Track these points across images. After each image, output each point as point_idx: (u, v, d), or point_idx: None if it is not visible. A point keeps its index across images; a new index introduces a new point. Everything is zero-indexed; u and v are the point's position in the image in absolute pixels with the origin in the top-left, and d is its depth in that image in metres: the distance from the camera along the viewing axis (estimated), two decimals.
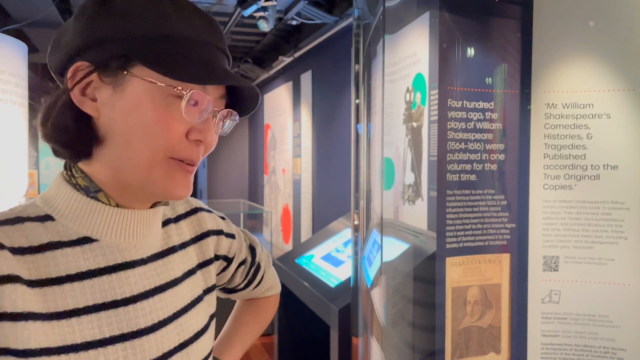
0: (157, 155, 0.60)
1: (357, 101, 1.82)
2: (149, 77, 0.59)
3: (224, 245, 0.84)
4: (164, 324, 0.67)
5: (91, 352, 0.59)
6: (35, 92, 2.51)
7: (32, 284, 0.57)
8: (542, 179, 1.39)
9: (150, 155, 0.60)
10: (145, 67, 0.59)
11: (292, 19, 3.68)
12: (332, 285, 2.50)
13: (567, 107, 1.37)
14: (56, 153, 0.65)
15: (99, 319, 0.61)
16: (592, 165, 1.36)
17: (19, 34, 3.05)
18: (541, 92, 1.38)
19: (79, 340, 0.59)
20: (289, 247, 5.05)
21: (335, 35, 3.93)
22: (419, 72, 1.46)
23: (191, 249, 0.77)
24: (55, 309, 0.58)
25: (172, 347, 0.67)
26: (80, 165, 0.64)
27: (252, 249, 0.92)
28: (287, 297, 2.97)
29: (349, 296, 2.31)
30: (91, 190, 0.63)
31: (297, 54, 4.62)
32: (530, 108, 1.39)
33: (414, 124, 1.49)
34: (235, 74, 0.62)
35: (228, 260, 0.85)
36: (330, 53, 4.27)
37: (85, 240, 0.62)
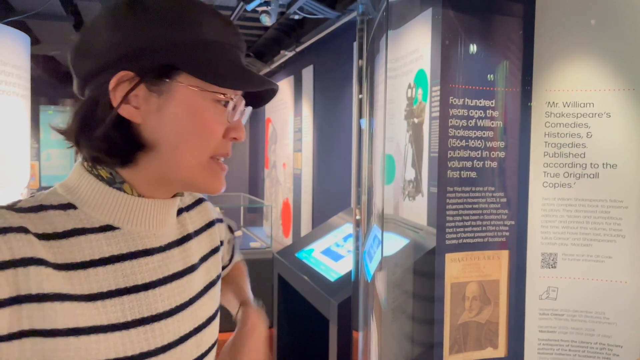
0: (204, 156, 0.65)
1: (360, 96, 1.83)
2: (194, 84, 0.62)
3: (223, 231, 0.89)
4: (180, 309, 0.69)
5: (117, 334, 0.61)
6: (37, 84, 2.51)
7: (59, 267, 0.59)
8: (541, 177, 1.40)
9: (198, 156, 0.64)
10: (189, 75, 0.62)
11: (295, 13, 3.67)
12: (332, 280, 2.51)
13: (568, 106, 1.38)
14: (97, 160, 0.64)
15: (122, 302, 0.63)
16: (591, 164, 1.37)
17: (21, 26, 3.05)
18: (542, 91, 1.39)
19: (105, 322, 0.60)
20: (288, 241, 5.06)
21: (337, 30, 3.92)
22: (421, 68, 1.46)
23: (203, 237, 0.80)
24: (82, 292, 0.60)
25: (187, 332, 0.70)
26: (121, 169, 0.65)
27: (228, 227, 0.97)
28: (287, 291, 2.98)
29: (349, 290, 2.32)
30: (116, 182, 0.64)
31: (298, 49, 4.61)
32: (531, 106, 1.40)
33: (415, 120, 1.50)
34: (266, 78, 0.67)
35: (223, 243, 0.90)
36: (332, 48, 4.27)
37: (107, 228, 0.64)
